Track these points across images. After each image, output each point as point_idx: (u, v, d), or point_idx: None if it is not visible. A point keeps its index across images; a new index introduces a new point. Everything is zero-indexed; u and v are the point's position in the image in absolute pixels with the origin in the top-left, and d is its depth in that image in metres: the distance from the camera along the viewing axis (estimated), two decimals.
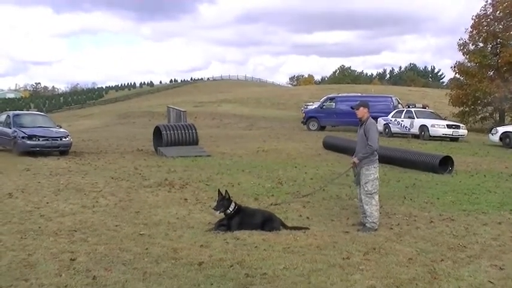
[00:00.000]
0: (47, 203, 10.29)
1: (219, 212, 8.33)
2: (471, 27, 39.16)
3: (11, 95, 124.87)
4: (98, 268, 6.13)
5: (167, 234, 7.95)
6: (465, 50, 39.51)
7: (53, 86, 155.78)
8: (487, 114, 39.58)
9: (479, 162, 18.46)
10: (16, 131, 19.12)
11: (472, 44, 39.62)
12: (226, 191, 8.54)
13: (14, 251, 6.85)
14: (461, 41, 39.53)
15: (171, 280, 5.73)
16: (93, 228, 8.26)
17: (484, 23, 38.96)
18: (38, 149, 18.69)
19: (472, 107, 39.01)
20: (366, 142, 8.57)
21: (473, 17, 39.14)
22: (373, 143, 8.52)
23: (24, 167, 15.46)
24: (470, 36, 39.34)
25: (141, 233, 8.01)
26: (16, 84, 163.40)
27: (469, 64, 39.91)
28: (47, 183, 12.55)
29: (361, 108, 8.85)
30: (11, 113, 22.12)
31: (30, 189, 11.78)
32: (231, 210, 8.32)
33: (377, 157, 8.76)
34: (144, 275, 5.90)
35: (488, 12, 38.91)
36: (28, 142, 18.64)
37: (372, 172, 8.64)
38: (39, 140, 18.79)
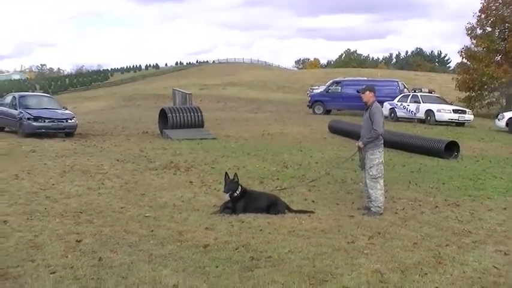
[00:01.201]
0: (53, 184, 10.32)
1: (228, 194, 8.32)
2: (479, 12, 38.95)
3: (17, 77, 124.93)
4: (104, 250, 6.16)
5: (172, 217, 7.97)
6: (473, 34, 39.32)
7: (59, 68, 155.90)
8: (494, 99, 39.49)
9: (485, 148, 18.43)
10: (22, 113, 19.14)
11: (480, 29, 39.43)
12: (235, 173, 8.54)
13: (20, 232, 6.88)
14: (469, 25, 39.31)
15: (177, 262, 5.75)
16: (98, 210, 8.28)
17: (492, 7, 38.71)
18: (43, 130, 18.72)
19: (479, 92, 38.88)
20: (371, 126, 8.55)
21: (482, 1, 38.88)
22: (378, 127, 8.49)
23: (30, 148, 15.50)
24: (478, 21, 39.14)
25: (146, 215, 8.03)
26: (21, 66, 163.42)
27: (476, 49, 39.69)
28: (53, 165, 12.59)
29: (367, 93, 8.81)
30: (16, 94, 22.13)
31: (36, 170, 11.82)
32: (237, 193, 8.33)
33: (382, 141, 8.74)
34: (149, 257, 5.93)
35: None
36: (34, 124, 18.67)
37: (377, 156, 8.62)
38: (44, 121, 18.81)
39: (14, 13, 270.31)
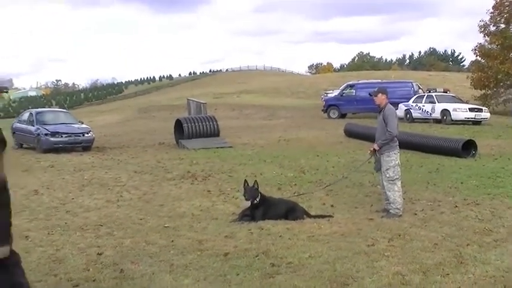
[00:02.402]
0: (72, 198, 10.41)
1: (251, 201, 8.32)
2: (492, 8, 38.52)
3: (33, 93, 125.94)
4: (125, 261, 6.20)
5: (192, 226, 8.00)
6: (486, 31, 38.94)
7: (73, 83, 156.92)
8: (510, 96, 39.00)
9: (503, 145, 18.27)
10: (39, 129, 19.37)
11: (493, 25, 39.00)
12: (255, 181, 8.55)
13: (42, 246, 6.94)
14: (482, 23, 39.00)
15: (198, 271, 5.77)
16: (118, 222, 8.33)
17: (505, 3, 38.28)
18: (61, 145, 18.91)
19: (494, 89, 38.53)
20: (385, 128, 8.54)
21: None
22: (392, 129, 8.48)
23: (49, 163, 15.66)
24: (491, 18, 38.74)
25: (165, 225, 8.07)
26: (37, 82, 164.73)
27: (490, 46, 39.34)
28: (71, 179, 12.71)
29: (380, 95, 8.80)
30: (33, 110, 22.43)
31: (55, 185, 11.93)
32: (257, 200, 8.34)
33: (397, 143, 8.72)
34: (170, 267, 5.95)
35: None
36: (51, 139, 18.87)
37: (393, 158, 8.60)
38: (62, 136, 19.03)
39: (28, 30, 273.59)
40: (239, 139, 21.65)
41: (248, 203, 8.33)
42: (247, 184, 8.41)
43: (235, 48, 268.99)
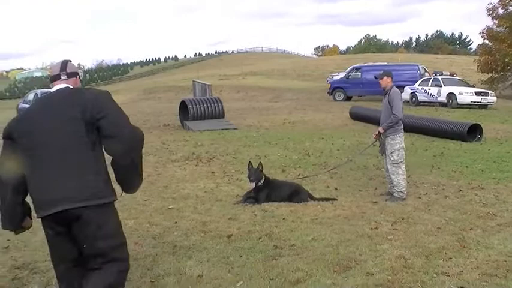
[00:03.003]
0: None
1: (255, 183, 8.33)
2: None
3: (38, 74, 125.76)
4: (129, 242, 6.12)
5: (196, 208, 8.02)
6: (494, 14, 38.53)
7: (79, 64, 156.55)
8: None
9: (509, 130, 18.19)
10: None
11: (502, 8, 38.59)
12: (260, 162, 8.56)
13: None
14: (490, 6, 38.61)
15: (201, 253, 5.80)
16: (122, 203, 8.31)
17: None
18: None
19: (501, 73, 38.22)
20: (390, 111, 8.51)
21: None
22: (397, 112, 8.45)
23: None
24: (500, 0, 38.35)
25: (169, 207, 8.09)
26: (43, 63, 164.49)
27: (498, 29, 38.98)
28: None
29: (385, 78, 8.76)
30: (38, 91, 22.55)
31: None
32: (261, 182, 8.35)
33: (402, 126, 8.69)
34: (174, 248, 5.98)
35: None
36: None
37: (398, 141, 8.58)
38: None
39: (32, 11, 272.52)
40: (244, 121, 21.62)
41: (252, 185, 8.34)
42: (252, 166, 8.42)
43: (241, 30, 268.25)
